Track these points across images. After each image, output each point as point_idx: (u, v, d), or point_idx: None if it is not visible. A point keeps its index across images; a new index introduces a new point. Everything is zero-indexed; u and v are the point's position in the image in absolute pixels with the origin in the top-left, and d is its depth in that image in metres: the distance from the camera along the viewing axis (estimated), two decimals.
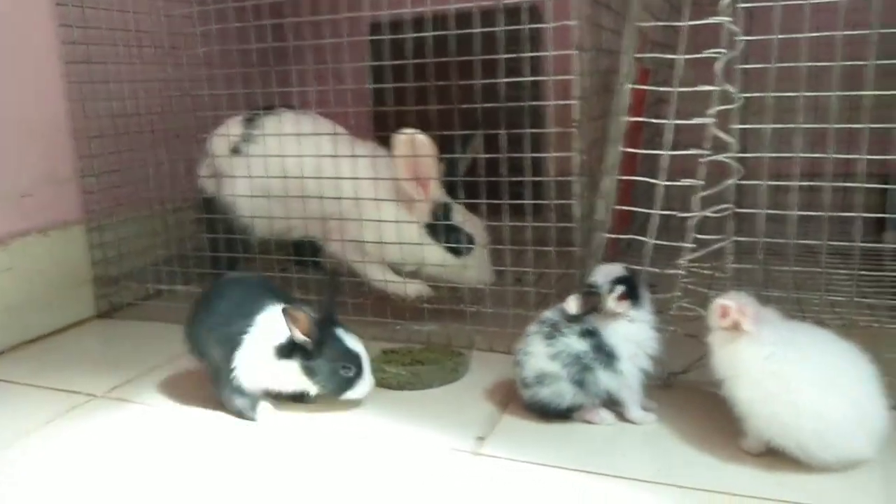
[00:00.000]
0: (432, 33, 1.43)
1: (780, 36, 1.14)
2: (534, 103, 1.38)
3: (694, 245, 1.22)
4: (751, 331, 1.03)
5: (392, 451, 1.14)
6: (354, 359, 1.21)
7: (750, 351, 1.04)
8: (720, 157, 1.19)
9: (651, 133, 1.69)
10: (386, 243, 1.54)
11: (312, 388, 1.22)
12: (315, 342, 1.19)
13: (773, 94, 1.18)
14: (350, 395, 1.23)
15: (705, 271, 1.24)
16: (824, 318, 1.22)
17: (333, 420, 1.25)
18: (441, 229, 1.55)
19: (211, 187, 1.75)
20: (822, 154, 1.18)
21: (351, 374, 1.21)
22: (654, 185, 1.63)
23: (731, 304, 1.04)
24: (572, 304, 1.17)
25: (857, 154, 1.17)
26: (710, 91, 1.17)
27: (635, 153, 1.60)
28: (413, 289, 1.57)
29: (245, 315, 1.22)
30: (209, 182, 1.76)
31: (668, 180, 1.23)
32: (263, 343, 1.20)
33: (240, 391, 1.23)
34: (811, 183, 1.20)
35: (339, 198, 1.55)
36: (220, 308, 1.26)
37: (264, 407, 1.26)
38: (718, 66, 1.15)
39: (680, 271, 1.25)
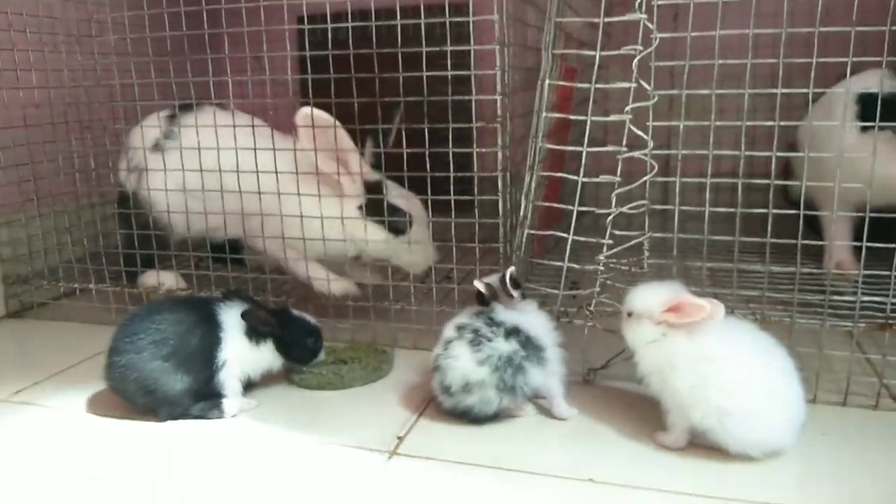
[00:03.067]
0: (350, 24, 1.40)
1: (693, 34, 1.15)
2: (455, 97, 1.36)
3: (611, 241, 1.23)
4: (700, 321, 1.04)
5: (308, 453, 1.12)
6: (316, 331, 1.35)
7: (689, 341, 1.06)
8: (635, 154, 1.20)
9: (579, 132, 1.71)
10: (312, 237, 1.50)
11: (273, 364, 1.30)
12: (280, 325, 1.28)
13: (686, 92, 1.19)
14: (314, 362, 1.35)
15: (623, 267, 1.26)
16: (738, 313, 1.24)
17: (249, 421, 1.22)
18: (377, 207, 1.51)
19: (130, 183, 1.68)
20: (734, 152, 1.20)
21: (318, 344, 1.34)
22: (582, 182, 1.65)
23: (693, 301, 1.05)
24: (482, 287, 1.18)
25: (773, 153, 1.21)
26: (630, 89, 1.18)
27: (562, 151, 1.62)
28: (338, 286, 1.54)
29: (202, 324, 1.22)
30: (128, 177, 1.68)
31: (592, 178, 1.24)
32: (239, 336, 1.25)
33: (213, 395, 1.23)
34: (719, 180, 1.22)
35: (258, 192, 1.50)
36: (169, 333, 1.19)
37: (232, 399, 1.25)
38: (634, 64, 1.16)
39: (599, 267, 1.26)
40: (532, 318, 1.19)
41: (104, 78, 1.68)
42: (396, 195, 1.54)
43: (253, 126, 1.51)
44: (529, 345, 1.15)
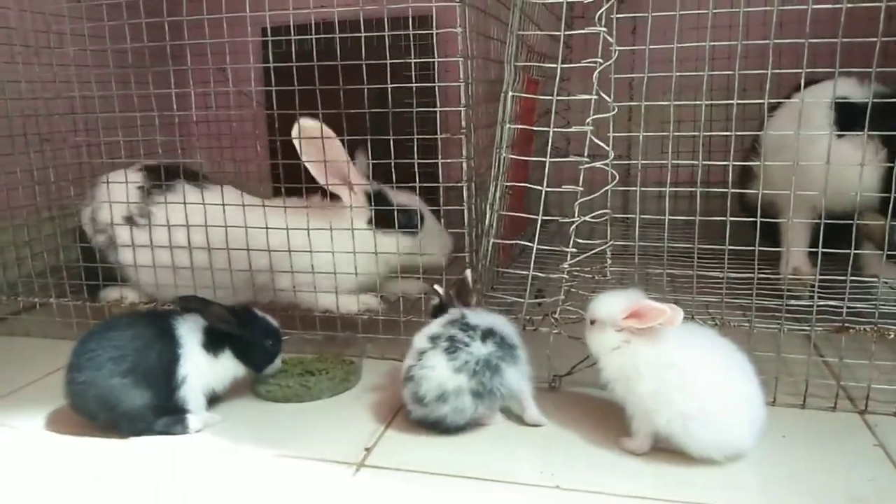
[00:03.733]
0: (314, 36, 1.40)
1: (651, 46, 1.18)
2: (421, 109, 1.36)
3: (575, 250, 1.25)
4: (660, 328, 1.07)
5: (274, 467, 1.11)
6: (277, 333, 1.31)
7: (652, 347, 1.08)
8: (596, 164, 1.22)
9: (543, 142, 1.73)
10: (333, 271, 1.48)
11: (235, 374, 1.28)
12: (241, 326, 1.26)
13: (645, 104, 1.21)
14: (270, 368, 1.32)
15: (586, 275, 1.27)
16: (698, 318, 1.27)
17: (214, 436, 1.21)
18: (386, 215, 1.49)
19: (96, 240, 1.64)
20: (691, 162, 1.23)
21: (277, 347, 1.31)
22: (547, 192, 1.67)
23: (653, 305, 1.07)
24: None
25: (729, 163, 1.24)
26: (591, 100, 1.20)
27: (526, 161, 1.64)
28: (363, 301, 1.52)
29: (159, 340, 1.20)
30: (93, 233, 1.64)
31: (554, 188, 1.26)
32: (198, 350, 1.23)
33: (176, 411, 1.21)
34: (678, 189, 1.25)
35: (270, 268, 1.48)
36: (127, 349, 1.18)
37: (196, 414, 1.23)
38: (595, 76, 1.19)
39: (563, 275, 1.27)
40: (499, 319, 1.20)
41: (64, 90, 1.65)
42: (398, 196, 1.54)
43: (235, 202, 1.48)
44: (504, 344, 1.17)
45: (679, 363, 1.06)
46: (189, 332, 1.23)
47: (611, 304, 1.11)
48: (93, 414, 1.19)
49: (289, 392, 1.32)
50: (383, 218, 1.50)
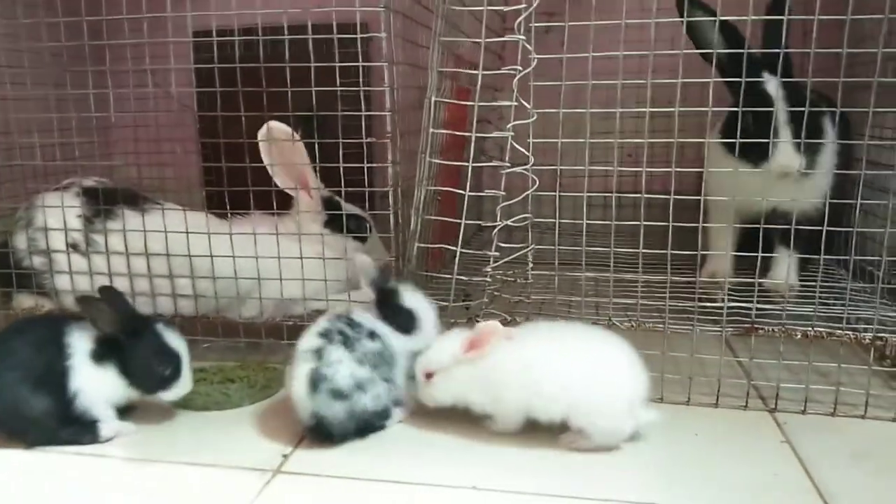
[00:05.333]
0: (237, 38, 1.39)
1: (567, 55, 1.21)
2: (346, 113, 1.36)
3: (497, 254, 1.27)
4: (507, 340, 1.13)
5: (188, 477, 1.08)
6: (171, 356, 1.17)
7: (510, 355, 1.13)
8: (517, 170, 1.25)
9: (477, 150, 1.75)
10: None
11: (128, 391, 1.17)
12: (128, 337, 1.15)
13: (563, 111, 1.24)
14: (165, 395, 1.18)
15: (509, 279, 1.29)
16: (615, 320, 1.30)
17: (127, 445, 1.17)
18: (341, 220, 1.54)
19: (31, 260, 1.55)
20: (606, 167, 1.26)
21: (167, 372, 1.16)
22: (480, 198, 1.69)
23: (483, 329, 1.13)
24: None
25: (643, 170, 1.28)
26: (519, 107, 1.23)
27: (458, 167, 1.65)
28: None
29: (49, 349, 1.14)
30: (28, 254, 1.55)
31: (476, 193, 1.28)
32: (86, 360, 1.15)
33: (81, 424, 1.16)
34: (604, 194, 1.28)
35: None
36: (20, 355, 1.14)
37: (106, 422, 1.18)
38: (514, 83, 1.21)
39: (486, 279, 1.29)
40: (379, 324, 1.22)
41: None
42: (348, 206, 1.57)
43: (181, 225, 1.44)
44: (387, 350, 1.19)
45: (536, 362, 1.11)
46: (79, 340, 1.16)
47: (444, 350, 1.17)
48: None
49: (208, 400, 1.30)
50: (337, 223, 1.54)
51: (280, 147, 1.43)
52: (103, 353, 1.15)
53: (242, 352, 1.48)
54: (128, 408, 1.24)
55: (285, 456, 1.13)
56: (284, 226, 1.50)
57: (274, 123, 1.41)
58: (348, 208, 1.56)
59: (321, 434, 1.14)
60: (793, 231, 1.44)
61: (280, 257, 1.41)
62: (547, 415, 1.11)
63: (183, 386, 1.19)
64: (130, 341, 1.15)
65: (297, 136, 1.42)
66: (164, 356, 1.17)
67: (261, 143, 1.42)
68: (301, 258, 1.40)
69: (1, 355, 1.13)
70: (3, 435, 1.16)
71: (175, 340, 1.18)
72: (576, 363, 1.11)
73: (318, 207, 1.55)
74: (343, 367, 1.13)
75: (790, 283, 1.46)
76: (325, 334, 1.16)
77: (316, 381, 1.12)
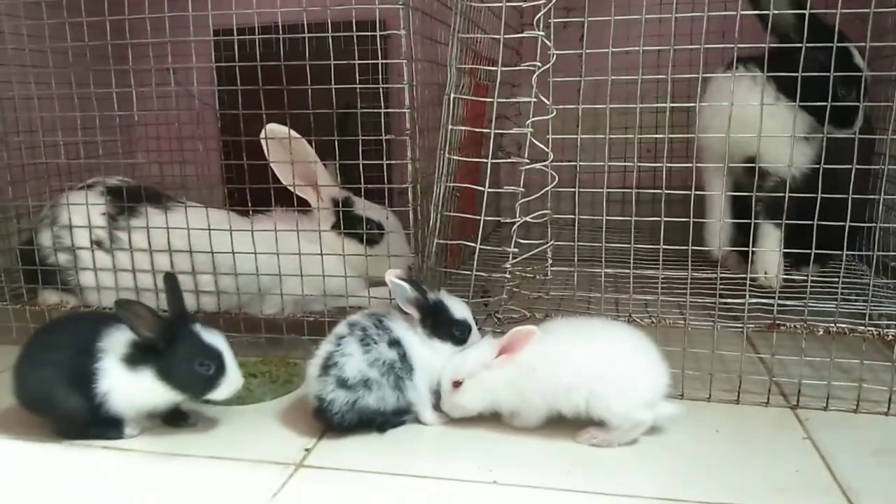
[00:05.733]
0: (258, 36, 1.40)
1: (587, 51, 1.21)
2: (365, 111, 1.37)
3: (517, 250, 1.27)
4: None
5: (212, 470, 1.10)
6: (213, 354, 1.12)
7: (533, 351, 1.14)
8: (537, 166, 1.25)
9: (496, 147, 1.75)
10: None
11: (172, 395, 1.14)
12: (166, 340, 1.11)
13: (582, 107, 1.24)
14: (213, 395, 1.13)
15: (528, 275, 1.29)
16: (636, 316, 1.30)
17: (155, 439, 1.19)
18: (350, 221, 1.54)
19: (56, 257, 1.58)
20: (624, 163, 1.26)
21: (210, 371, 1.12)
22: (498, 194, 1.68)
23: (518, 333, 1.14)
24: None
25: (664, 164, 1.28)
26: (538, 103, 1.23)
27: (477, 164, 1.65)
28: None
29: (90, 344, 1.13)
30: (52, 252, 1.58)
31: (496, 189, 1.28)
32: (116, 362, 1.12)
33: (109, 422, 1.16)
34: (623, 190, 1.28)
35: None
36: (60, 349, 1.16)
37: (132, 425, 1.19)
38: (533, 79, 1.21)
39: (506, 275, 1.29)
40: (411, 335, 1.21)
41: (4, 90, 1.61)
42: (367, 207, 1.56)
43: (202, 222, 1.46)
44: (405, 359, 1.19)
45: (555, 354, 1.13)
46: (112, 344, 1.14)
47: (473, 357, 1.18)
48: (37, 411, 1.19)
49: None
50: (347, 223, 1.54)
51: (285, 146, 1.43)
52: (138, 357, 1.12)
53: (264, 347, 1.50)
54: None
55: (307, 450, 1.14)
56: (304, 224, 1.51)
57: (272, 126, 1.42)
58: (367, 208, 1.56)
59: (323, 417, 1.16)
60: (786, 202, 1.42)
61: (300, 254, 1.42)
62: (570, 407, 1.12)
63: (231, 383, 1.14)
64: (169, 346, 1.11)
65: (294, 134, 1.42)
66: (205, 356, 1.12)
67: (262, 143, 1.43)
68: (321, 255, 1.41)
69: (41, 350, 1.16)
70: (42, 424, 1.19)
71: (214, 338, 1.14)
72: (597, 355, 1.12)
73: (328, 206, 1.55)
74: (353, 361, 1.15)
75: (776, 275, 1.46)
76: (352, 325, 1.18)
77: (328, 365, 1.15)
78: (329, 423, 1.16)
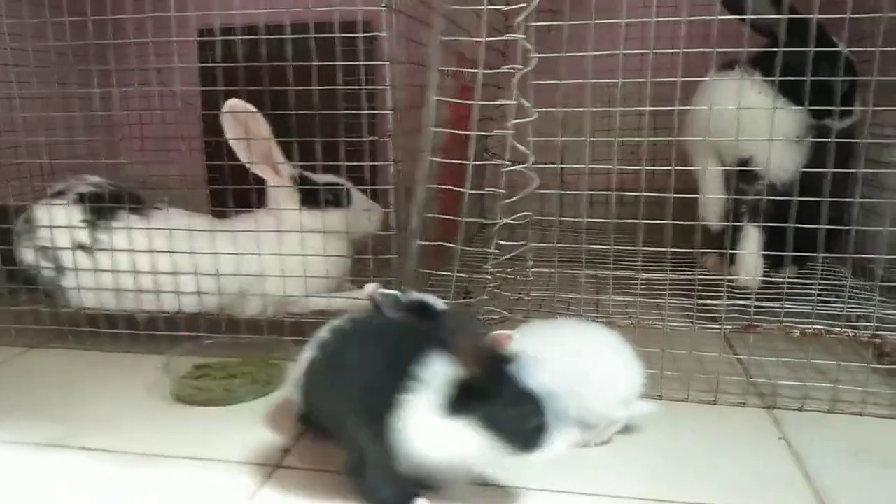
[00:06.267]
0: (241, 37, 1.40)
1: (567, 54, 1.22)
2: (346, 112, 1.38)
3: (497, 251, 1.28)
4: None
5: (188, 472, 1.09)
6: (536, 402, 0.88)
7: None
8: (518, 168, 1.26)
9: (481, 149, 1.76)
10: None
11: (490, 453, 0.88)
12: (489, 381, 0.87)
13: (563, 110, 1.25)
14: (543, 453, 0.88)
15: (509, 276, 1.30)
16: (615, 317, 1.31)
17: (130, 440, 1.19)
18: (314, 193, 1.54)
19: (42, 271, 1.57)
20: (607, 166, 1.27)
21: (541, 421, 0.88)
22: (483, 196, 1.69)
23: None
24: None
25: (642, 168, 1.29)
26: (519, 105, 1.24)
27: (462, 167, 1.66)
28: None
29: (398, 367, 0.90)
30: (36, 257, 1.56)
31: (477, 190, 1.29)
32: (430, 402, 0.88)
33: (394, 478, 0.92)
34: (609, 192, 1.29)
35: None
36: (359, 364, 0.97)
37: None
38: (514, 82, 1.22)
39: (486, 276, 1.30)
40: None
41: None
42: (319, 176, 1.57)
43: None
44: None
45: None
46: (431, 373, 0.89)
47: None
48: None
49: (211, 395, 1.31)
50: (312, 196, 1.54)
51: (245, 124, 1.45)
52: (460, 395, 0.88)
53: (245, 348, 1.50)
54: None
55: (286, 451, 1.14)
56: (264, 221, 1.51)
57: (233, 101, 1.43)
58: (322, 179, 1.57)
59: (307, 422, 1.14)
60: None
61: (255, 254, 1.43)
62: None
63: (563, 439, 0.89)
64: (493, 389, 0.87)
65: (254, 110, 1.43)
66: (534, 401, 0.88)
67: (224, 120, 1.45)
68: (286, 254, 1.41)
69: (343, 359, 1.00)
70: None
71: (535, 380, 0.89)
72: (574, 356, 1.12)
73: (288, 183, 1.55)
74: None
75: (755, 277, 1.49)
76: (334, 330, 1.16)
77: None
78: (311, 426, 1.16)
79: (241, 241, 1.47)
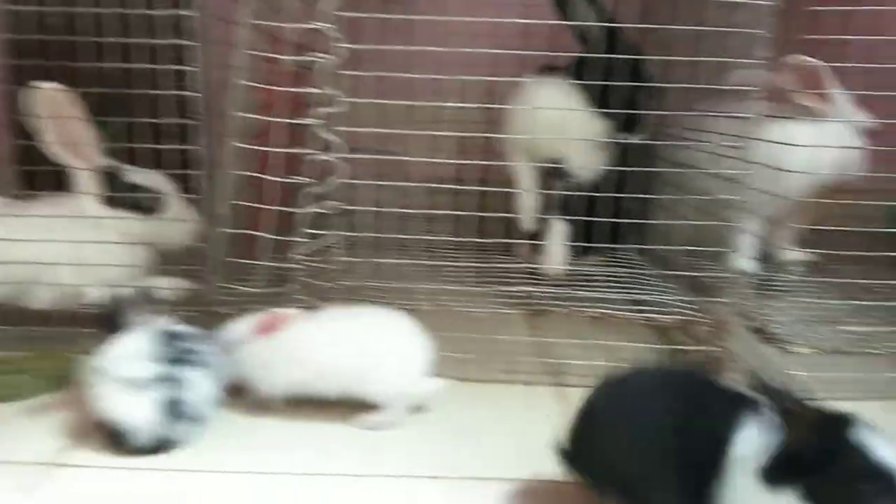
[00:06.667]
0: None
1: (373, 46, 1.24)
2: (152, 92, 1.33)
3: (306, 240, 1.28)
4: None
5: None
6: (890, 479, 0.74)
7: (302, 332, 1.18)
8: (327, 157, 1.27)
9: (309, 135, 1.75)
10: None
11: None
12: (820, 451, 0.76)
13: (373, 101, 1.28)
14: None
15: (317, 265, 1.31)
16: (421, 304, 1.36)
17: None
18: (120, 190, 1.41)
19: None
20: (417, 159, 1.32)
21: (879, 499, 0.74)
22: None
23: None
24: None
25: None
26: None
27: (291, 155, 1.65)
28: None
29: (709, 428, 0.81)
30: None
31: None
32: (749, 469, 0.78)
33: None
34: (424, 185, 1.34)
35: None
36: (666, 424, 0.84)
37: None
38: (320, 71, 1.23)
39: (296, 265, 1.30)
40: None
41: None
42: (137, 174, 1.45)
43: None
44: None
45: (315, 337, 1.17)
46: (748, 445, 0.79)
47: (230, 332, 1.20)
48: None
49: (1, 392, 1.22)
50: (119, 198, 1.42)
51: (52, 109, 1.33)
52: (786, 469, 0.77)
53: (35, 341, 1.40)
54: None
55: (68, 448, 1.09)
56: (67, 207, 1.41)
57: (44, 84, 1.31)
58: (139, 179, 1.45)
59: (149, 451, 1.08)
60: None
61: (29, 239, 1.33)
62: (338, 389, 1.16)
63: None
64: (827, 459, 0.76)
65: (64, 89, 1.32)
66: (876, 480, 0.74)
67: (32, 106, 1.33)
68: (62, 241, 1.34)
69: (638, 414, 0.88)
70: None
71: (883, 452, 0.75)
72: (364, 338, 1.16)
73: (92, 171, 1.43)
74: (203, 387, 1.11)
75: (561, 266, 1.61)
76: (169, 359, 1.09)
77: (176, 409, 1.08)
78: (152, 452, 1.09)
79: (29, 226, 1.35)
